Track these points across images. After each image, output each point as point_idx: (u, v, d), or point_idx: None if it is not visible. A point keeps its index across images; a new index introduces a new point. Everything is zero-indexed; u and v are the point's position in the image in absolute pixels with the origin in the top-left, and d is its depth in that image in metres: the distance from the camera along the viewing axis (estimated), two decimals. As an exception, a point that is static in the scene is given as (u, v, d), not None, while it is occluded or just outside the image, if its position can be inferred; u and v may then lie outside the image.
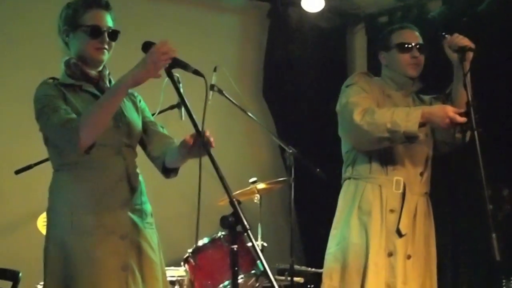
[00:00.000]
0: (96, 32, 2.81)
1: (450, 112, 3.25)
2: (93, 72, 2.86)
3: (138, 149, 3.02)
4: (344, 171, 3.67)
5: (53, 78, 2.86)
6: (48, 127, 2.74)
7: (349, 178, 3.61)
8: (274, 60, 6.08)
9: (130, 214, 2.82)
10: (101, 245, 2.73)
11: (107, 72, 2.93)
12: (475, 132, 3.08)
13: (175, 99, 4.25)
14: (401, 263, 3.45)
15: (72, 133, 2.61)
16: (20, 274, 4.01)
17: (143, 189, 2.94)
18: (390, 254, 3.44)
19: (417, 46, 3.54)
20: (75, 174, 2.78)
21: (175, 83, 2.65)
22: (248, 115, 4.45)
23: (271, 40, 6.11)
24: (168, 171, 2.98)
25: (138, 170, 2.94)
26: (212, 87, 4.24)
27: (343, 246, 3.51)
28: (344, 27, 6.34)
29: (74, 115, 2.69)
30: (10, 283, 4.03)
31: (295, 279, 4.48)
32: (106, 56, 2.86)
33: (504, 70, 4.75)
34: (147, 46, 2.67)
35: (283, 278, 4.60)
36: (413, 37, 3.58)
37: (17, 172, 4.23)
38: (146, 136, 3.02)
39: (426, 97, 3.72)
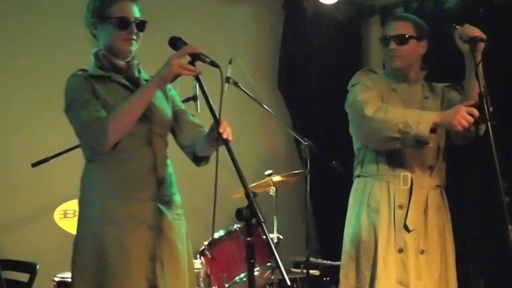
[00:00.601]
0: (124, 23, 2.83)
1: (461, 109, 3.20)
2: (121, 62, 2.88)
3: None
4: (354, 169, 3.69)
5: (83, 70, 2.88)
6: (76, 122, 2.78)
7: (359, 176, 3.63)
8: (290, 52, 6.06)
9: (159, 205, 2.84)
10: (131, 236, 2.76)
11: (136, 62, 2.95)
12: (489, 124, 3.05)
13: (191, 91, 4.26)
14: (413, 258, 3.42)
15: (99, 133, 2.66)
16: (38, 266, 4.04)
17: (172, 180, 2.96)
18: (400, 250, 3.42)
19: (395, 38, 3.48)
20: (106, 165, 2.81)
21: (198, 77, 2.66)
22: (263, 107, 4.45)
23: (286, 32, 6.09)
24: (199, 159, 2.99)
25: (168, 161, 2.96)
26: (227, 79, 4.23)
27: (355, 244, 3.53)
28: (360, 18, 6.30)
29: (102, 112, 2.72)
30: (27, 275, 4.06)
31: (311, 271, 4.47)
32: (134, 46, 2.88)
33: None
34: (173, 41, 2.71)
35: (298, 270, 4.61)
36: (394, 29, 3.53)
37: (34, 165, 4.26)
38: (177, 125, 3.04)
39: (439, 85, 3.68)
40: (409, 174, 3.48)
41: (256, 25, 6.13)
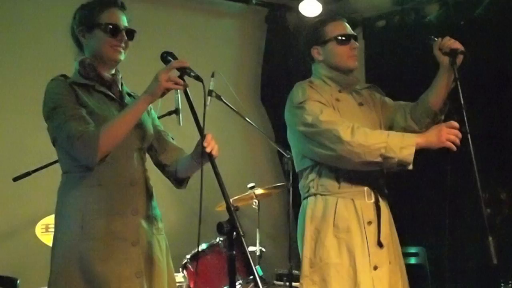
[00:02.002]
0: (114, 30, 2.82)
1: (442, 126, 3.15)
2: (106, 75, 2.86)
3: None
4: (304, 187, 3.45)
5: (64, 76, 2.84)
6: (59, 133, 2.71)
7: (315, 195, 3.37)
8: (272, 65, 6.09)
9: (140, 220, 2.80)
10: (114, 252, 2.70)
11: (120, 76, 2.94)
12: (469, 135, 3.05)
13: (172, 105, 4.25)
14: (387, 272, 3.28)
15: (89, 147, 2.62)
16: (18, 281, 4.01)
17: (153, 193, 2.93)
18: (375, 268, 3.26)
19: (353, 37, 3.45)
20: (85, 177, 2.73)
21: (186, 91, 2.66)
22: (246, 120, 4.45)
23: (269, 45, 6.12)
24: (180, 181, 3.01)
25: (148, 174, 2.94)
26: (210, 92, 4.24)
27: (320, 268, 3.28)
28: (342, 31, 6.34)
29: (90, 125, 2.67)
30: (8, 290, 4.02)
31: (294, 284, 4.46)
32: (122, 55, 2.86)
33: (501, 73, 4.75)
34: (164, 56, 2.73)
35: (281, 283, 4.60)
36: (348, 28, 3.48)
37: (15, 179, 4.23)
38: (159, 144, 3.04)
39: (358, 86, 3.58)
40: (370, 188, 3.34)
41: (238, 38, 6.15)
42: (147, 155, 3.01)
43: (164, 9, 5.62)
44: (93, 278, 2.66)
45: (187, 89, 2.66)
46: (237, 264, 2.49)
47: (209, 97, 4.22)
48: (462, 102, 3.11)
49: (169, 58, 2.71)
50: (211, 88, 4.26)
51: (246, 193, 4.58)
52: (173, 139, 3.10)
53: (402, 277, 3.41)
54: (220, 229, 2.38)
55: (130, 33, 2.88)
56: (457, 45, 3.25)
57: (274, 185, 4.76)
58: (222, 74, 4.34)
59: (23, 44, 4.97)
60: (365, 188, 3.33)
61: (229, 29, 6.11)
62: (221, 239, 4.08)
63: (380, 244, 3.29)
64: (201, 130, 2.58)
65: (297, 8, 5.73)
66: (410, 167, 3.16)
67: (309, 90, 3.38)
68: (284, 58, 6.07)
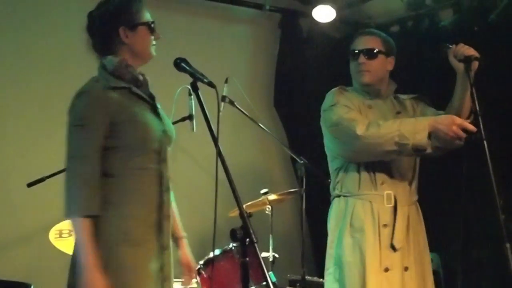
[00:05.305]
0: (153, 27, 2.87)
1: (457, 119, 3.19)
2: (140, 76, 2.83)
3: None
4: (332, 189, 3.62)
5: (97, 80, 2.75)
6: (69, 157, 2.66)
7: (338, 196, 3.55)
8: (286, 71, 6.08)
9: (170, 224, 2.81)
10: (152, 258, 2.69)
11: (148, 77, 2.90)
12: (485, 142, 3.03)
13: (186, 111, 4.26)
14: (399, 276, 3.38)
15: (72, 196, 2.60)
16: (32, 287, 4.02)
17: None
18: (386, 270, 3.37)
19: (364, 52, 3.51)
20: (124, 182, 2.69)
21: (199, 97, 2.65)
22: (259, 126, 4.45)
23: (282, 50, 6.12)
24: None
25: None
26: (223, 98, 4.25)
27: (339, 265, 3.45)
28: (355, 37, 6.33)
29: (96, 170, 2.62)
30: (22, 296, 4.04)
31: (307, 290, 4.46)
32: None
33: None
34: (177, 62, 2.68)
35: (294, 289, 4.59)
36: (362, 43, 3.55)
37: (30, 185, 4.24)
38: None
39: (405, 98, 3.66)
40: (392, 192, 3.45)
41: (252, 44, 6.15)
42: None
43: (177, 15, 5.62)
44: (125, 284, 2.61)
45: (200, 95, 2.65)
46: (250, 270, 2.48)
47: (222, 103, 4.23)
48: (477, 108, 3.10)
49: (183, 64, 2.68)
50: (224, 93, 4.28)
51: (259, 199, 4.57)
52: None
53: (425, 284, 3.48)
54: (234, 236, 2.38)
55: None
56: (471, 51, 3.26)
57: (287, 191, 4.74)
58: (235, 80, 4.35)
59: (37, 47, 4.99)
60: (385, 193, 3.45)
61: (243, 35, 6.11)
62: (234, 245, 4.07)
63: (393, 247, 3.39)
64: (214, 136, 2.57)
65: (311, 13, 5.71)
66: (429, 150, 3.26)
67: (338, 95, 3.56)
68: (297, 63, 6.06)
